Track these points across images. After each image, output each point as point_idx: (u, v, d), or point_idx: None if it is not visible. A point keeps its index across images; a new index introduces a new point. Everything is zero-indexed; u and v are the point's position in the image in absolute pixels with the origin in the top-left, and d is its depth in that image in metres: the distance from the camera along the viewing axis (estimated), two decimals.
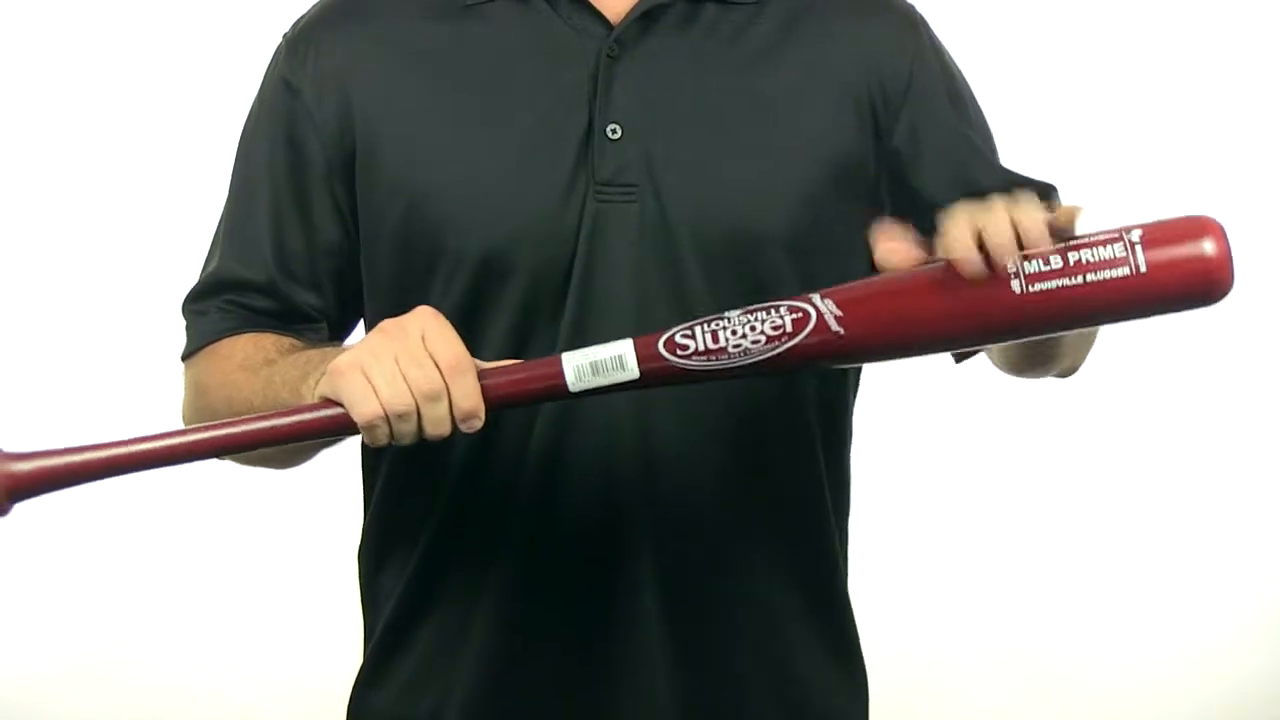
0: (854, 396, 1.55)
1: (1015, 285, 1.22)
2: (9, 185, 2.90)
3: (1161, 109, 2.95)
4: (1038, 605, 3.00)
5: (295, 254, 1.48)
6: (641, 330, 1.38)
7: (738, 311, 1.27)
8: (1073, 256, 1.21)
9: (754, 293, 1.41)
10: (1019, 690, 2.99)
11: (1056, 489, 2.98)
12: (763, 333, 1.26)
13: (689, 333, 1.27)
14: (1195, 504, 2.99)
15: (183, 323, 1.54)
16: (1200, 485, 2.98)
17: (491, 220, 1.41)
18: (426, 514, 1.46)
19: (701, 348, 1.26)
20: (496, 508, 1.44)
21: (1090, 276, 1.21)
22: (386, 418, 1.25)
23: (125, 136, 2.88)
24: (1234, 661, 3.00)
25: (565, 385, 1.27)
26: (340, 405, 1.26)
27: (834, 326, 1.25)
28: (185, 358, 1.53)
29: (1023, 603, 3.00)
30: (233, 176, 1.53)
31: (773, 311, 1.26)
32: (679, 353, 1.26)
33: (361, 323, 1.54)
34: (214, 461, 1.56)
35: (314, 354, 1.40)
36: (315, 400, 1.29)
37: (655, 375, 1.27)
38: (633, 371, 1.27)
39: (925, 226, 1.34)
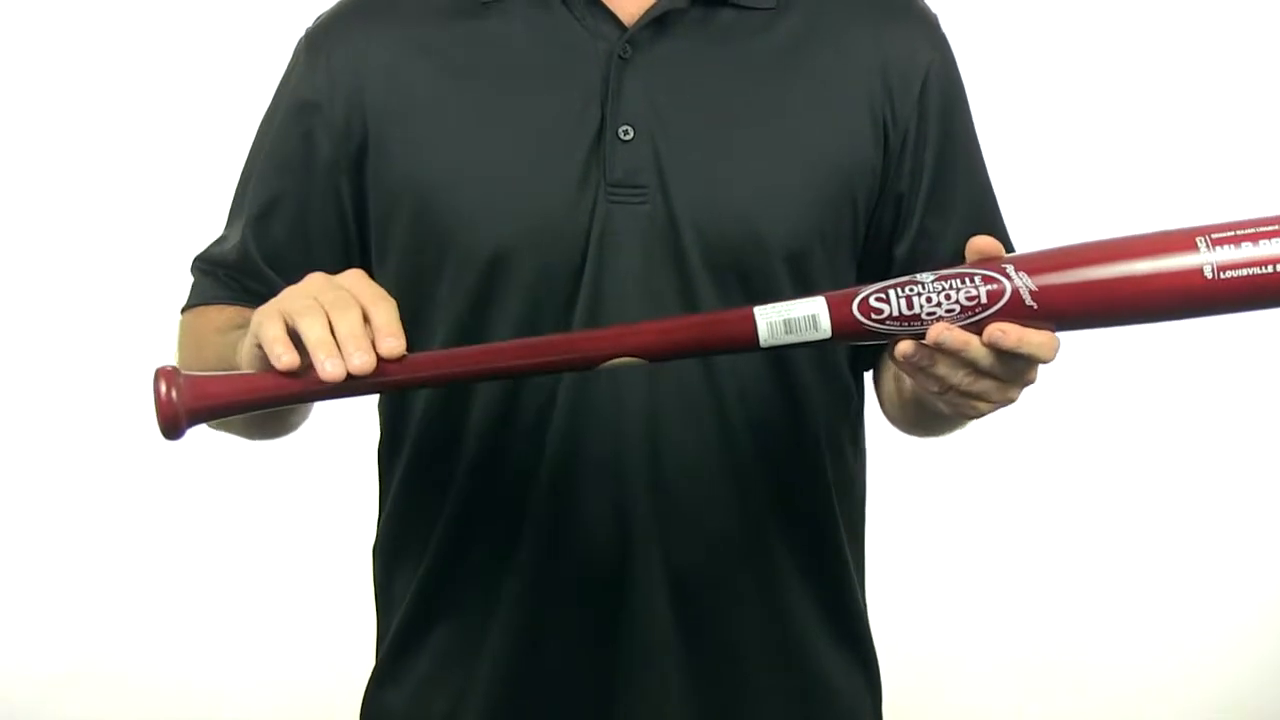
0: (862, 397, 1.55)
1: (1207, 271, 1.23)
2: (12, 186, 2.90)
3: (1163, 109, 2.95)
4: (1046, 606, 3.00)
5: (287, 248, 1.49)
6: None
7: (930, 277, 1.25)
8: (1265, 246, 1.23)
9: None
10: (1027, 690, 3.00)
11: (1065, 491, 2.99)
12: (957, 302, 1.24)
13: (883, 296, 1.25)
14: (1200, 505, 3.00)
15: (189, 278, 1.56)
16: (1204, 487, 2.99)
17: (503, 218, 1.41)
18: (440, 516, 1.47)
19: (896, 313, 1.24)
20: (510, 511, 1.45)
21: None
22: (290, 319, 1.19)
23: (142, 135, 2.89)
24: (1241, 661, 3.01)
25: (755, 339, 1.25)
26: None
27: (1027, 301, 1.24)
28: (183, 310, 1.55)
29: (1032, 603, 3.01)
30: (248, 158, 1.54)
31: (967, 281, 1.24)
32: (873, 316, 1.25)
33: None
34: (220, 458, 1.56)
35: None
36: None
37: (844, 335, 1.26)
38: (825, 332, 1.25)
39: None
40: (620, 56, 1.42)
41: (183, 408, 1.20)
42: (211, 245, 1.55)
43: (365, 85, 1.45)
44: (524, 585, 1.45)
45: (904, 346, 1.25)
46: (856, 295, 1.25)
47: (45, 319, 2.91)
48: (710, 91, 1.43)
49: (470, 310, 1.42)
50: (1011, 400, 1.30)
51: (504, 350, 1.27)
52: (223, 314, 1.49)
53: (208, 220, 1.61)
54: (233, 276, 1.51)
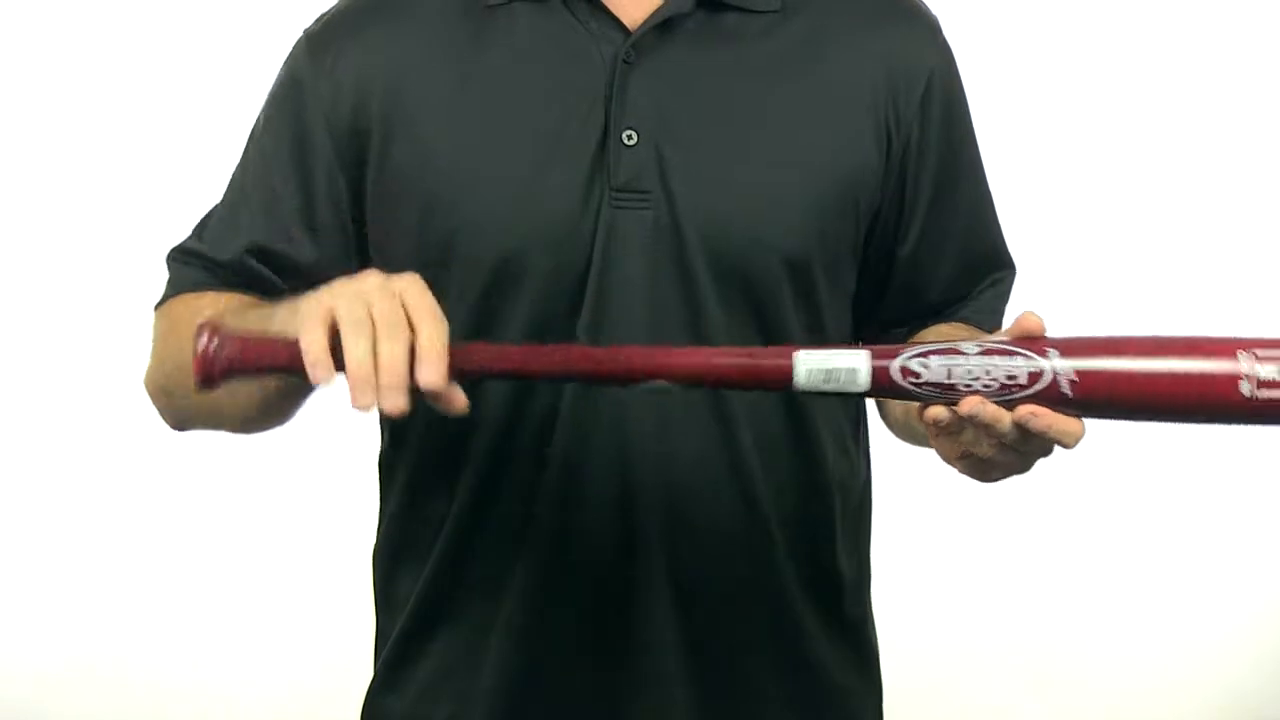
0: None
1: (1245, 388, 1.21)
2: (10, 185, 2.90)
3: (1163, 111, 2.95)
4: (1047, 605, 3.00)
5: (287, 245, 1.47)
6: (655, 333, 1.40)
7: (974, 348, 1.24)
8: None
9: (757, 303, 1.43)
10: (1028, 689, 3.00)
11: (1065, 490, 2.98)
12: (995, 379, 1.24)
13: (924, 362, 1.24)
14: (1200, 505, 3.00)
15: (165, 274, 1.53)
16: (1204, 487, 2.99)
17: (507, 223, 1.41)
18: (444, 521, 1.46)
19: (933, 380, 1.24)
20: (514, 516, 1.44)
21: None
22: (332, 333, 1.16)
23: (141, 137, 2.88)
24: (1241, 660, 3.01)
25: (791, 381, 1.25)
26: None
27: (1064, 390, 1.23)
28: (161, 303, 1.52)
29: (1033, 603, 3.00)
30: (241, 160, 1.52)
31: (1009, 359, 1.24)
32: (910, 379, 1.24)
33: None
34: (220, 457, 1.57)
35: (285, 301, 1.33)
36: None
37: (879, 392, 1.26)
38: (863, 386, 1.25)
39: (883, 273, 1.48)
40: (624, 61, 1.42)
41: (220, 362, 1.19)
42: (193, 240, 1.52)
43: (370, 89, 1.45)
44: (527, 591, 1.45)
45: (937, 412, 1.25)
46: (898, 356, 1.25)
47: (44, 317, 2.90)
48: (714, 96, 1.43)
49: (477, 315, 1.42)
50: (1025, 471, 1.31)
51: (540, 354, 1.26)
52: (223, 299, 1.46)
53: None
54: (216, 275, 1.49)
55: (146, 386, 1.51)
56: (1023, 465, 1.29)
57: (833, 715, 1.52)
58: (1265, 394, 1.21)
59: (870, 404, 1.58)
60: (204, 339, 1.19)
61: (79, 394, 2.90)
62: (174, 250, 1.53)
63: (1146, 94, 2.94)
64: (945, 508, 2.95)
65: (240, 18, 2.84)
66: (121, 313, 2.86)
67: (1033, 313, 1.26)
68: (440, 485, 1.47)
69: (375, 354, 1.15)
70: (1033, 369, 1.23)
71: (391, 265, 1.44)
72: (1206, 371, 1.23)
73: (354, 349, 1.15)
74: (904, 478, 2.36)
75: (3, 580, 2.95)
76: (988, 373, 1.24)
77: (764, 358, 1.25)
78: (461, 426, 1.44)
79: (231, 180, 1.53)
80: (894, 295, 1.53)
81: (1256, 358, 1.22)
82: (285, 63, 1.51)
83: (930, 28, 1.52)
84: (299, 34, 1.51)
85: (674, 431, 1.43)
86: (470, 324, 1.43)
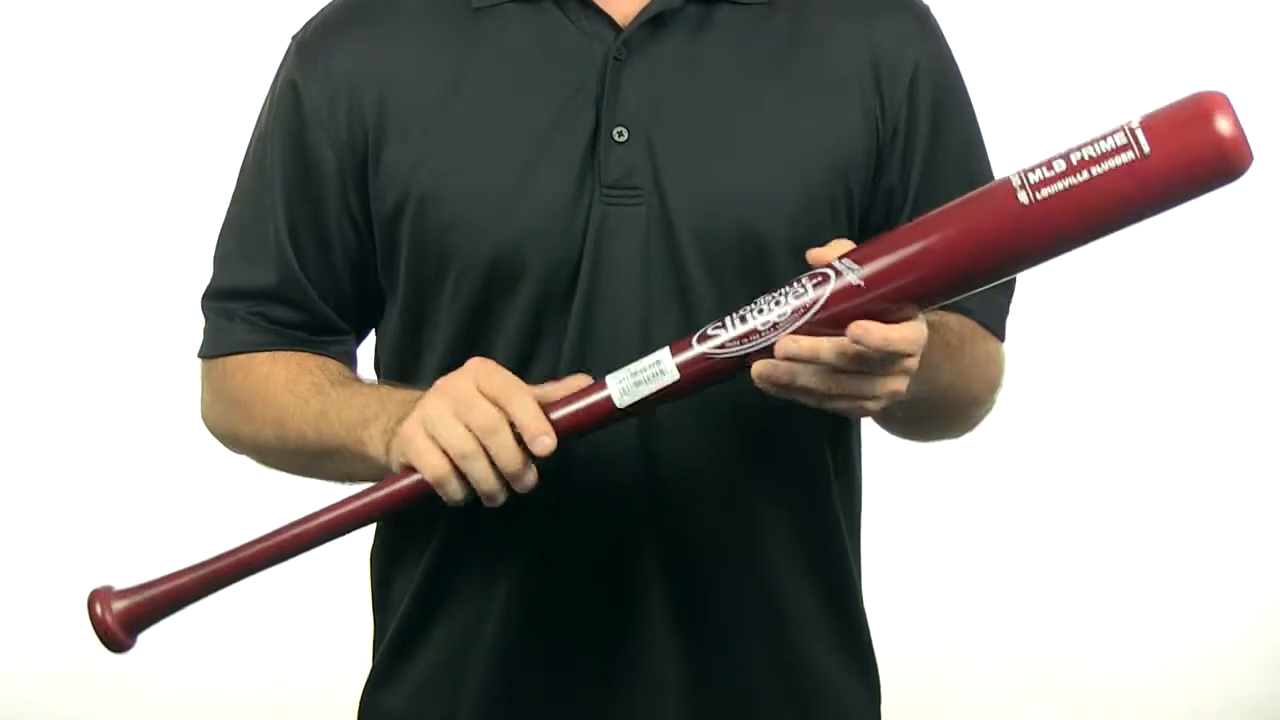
0: None
1: (1023, 196, 1.21)
2: (13, 186, 2.90)
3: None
4: (1045, 602, 3.00)
5: (312, 263, 1.49)
6: (647, 329, 1.40)
7: (764, 297, 1.28)
8: (1075, 155, 1.20)
9: (759, 294, 1.42)
10: (1027, 690, 3.00)
11: (1064, 491, 2.98)
12: (789, 305, 1.26)
13: (720, 324, 1.28)
14: (1200, 505, 3.00)
15: (201, 319, 1.54)
16: (1204, 487, 2.99)
17: (500, 222, 1.41)
18: (439, 517, 1.46)
19: (733, 335, 1.27)
20: (506, 511, 1.44)
21: (1095, 170, 1.19)
22: (455, 469, 1.28)
23: (132, 136, 2.88)
24: (1241, 661, 3.01)
25: (614, 404, 1.29)
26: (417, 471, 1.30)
27: (855, 280, 1.25)
28: (207, 357, 1.54)
29: (1032, 604, 3.00)
30: (243, 177, 1.53)
31: (795, 284, 1.27)
32: (712, 344, 1.27)
33: (374, 334, 1.55)
34: (222, 458, 1.58)
35: (370, 395, 1.42)
36: (396, 469, 1.33)
37: (694, 371, 1.28)
38: (673, 373, 1.28)
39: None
40: (615, 58, 1.42)
41: (120, 625, 1.35)
42: (220, 280, 1.53)
43: (363, 94, 1.45)
44: (521, 588, 1.45)
45: (759, 368, 1.27)
46: (695, 332, 1.29)
47: (45, 319, 2.91)
48: (706, 90, 1.43)
49: (472, 315, 1.43)
50: (899, 391, 1.30)
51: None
52: (280, 365, 1.48)
53: (198, 218, 1.60)
54: (258, 311, 1.50)
55: (211, 429, 1.57)
56: (885, 387, 1.28)
57: (829, 711, 1.51)
58: (1045, 191, 1.21)
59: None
60: (96, 608, 1.35)
61: (79, 395, 2.90)
62: (210, 297, 1.54)
63: (1147, 92, 2.94)
64: (945, 507, 2.95)
65: (235, 21, 2.84)
66: (122, 316, 2.88)
67: (816, 248, 1.28)
68: None
69: (488, 454, 1.28)
70: (817, 280, 1.26)
71: (392, 267, 1.47)
72: (982, 200, 1.24)
73: (475, 472, 1.29)
74: (904, 478, 2.37)
75: (4, 580, 2.95)
76: (777, 304, 1.27)
77: (580, 397, 1.30)
78: None
79: (236, 196, 1.53)
80: None
81: (1024, 169, 1.22)
82: (278, 70, 1.51)
83: (919, 17, 1.51)
84: (289, 40, 1.52)
85: (664, 429, 1.43)
86: (466, 320, 1.44)
